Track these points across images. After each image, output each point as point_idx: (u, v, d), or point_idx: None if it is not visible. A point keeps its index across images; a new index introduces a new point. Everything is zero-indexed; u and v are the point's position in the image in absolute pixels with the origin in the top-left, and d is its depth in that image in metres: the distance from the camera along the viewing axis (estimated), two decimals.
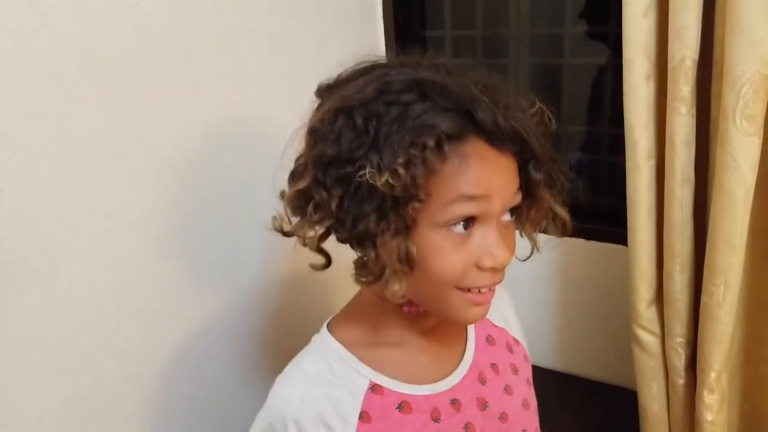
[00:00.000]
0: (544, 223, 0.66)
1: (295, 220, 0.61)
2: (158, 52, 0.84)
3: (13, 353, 0.72)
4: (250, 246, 1.02)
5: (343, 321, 0.68)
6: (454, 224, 0.55)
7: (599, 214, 1.28)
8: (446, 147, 0.53)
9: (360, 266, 0.58)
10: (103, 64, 0.77)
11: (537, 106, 0.61)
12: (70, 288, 0.77)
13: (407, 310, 0.64)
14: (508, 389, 0.71)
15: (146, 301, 0.86)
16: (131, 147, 0.82)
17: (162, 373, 0.90)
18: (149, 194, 0.85)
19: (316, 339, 0.67)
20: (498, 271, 0.58)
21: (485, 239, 0.56)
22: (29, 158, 0.70)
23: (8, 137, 0.68)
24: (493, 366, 0.71)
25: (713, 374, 0.95)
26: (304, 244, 0.60)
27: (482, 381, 0.69)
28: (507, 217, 0.59)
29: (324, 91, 0.61)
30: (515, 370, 0.74)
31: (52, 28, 0.71)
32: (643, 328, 1.03)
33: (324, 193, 0.56)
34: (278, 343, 1.08)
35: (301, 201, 0.58)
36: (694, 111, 0.90)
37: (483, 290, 0.58)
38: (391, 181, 0.51)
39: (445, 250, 0.55)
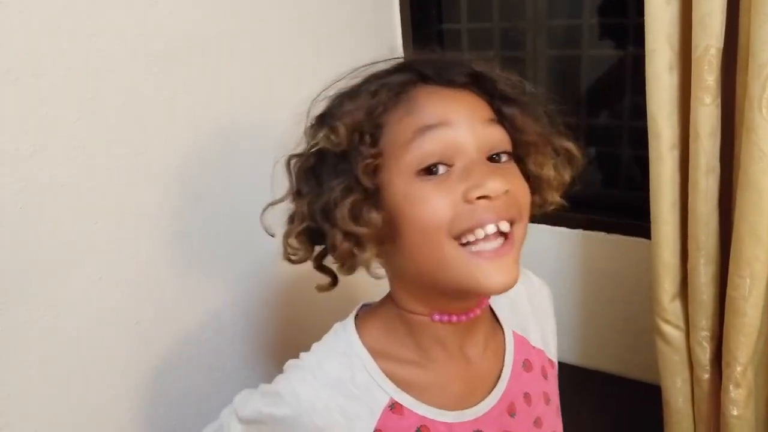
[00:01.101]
0: (551, 164, 0.61)
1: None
2: (174, 51, 0.84)
3: (34, 348, 0.72)
4: (265, 242, 1.01)
5: (371, 325, 0.63)
6: (428, 168, 0.52)
7: (621, 208, 1.27)
8: (390, 94, 0.54)
9: (331, 248, 0.56)
10: (120, 63, 0.77)
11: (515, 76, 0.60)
12: (91, 285, 0.77)
13: (438, 319, 0.59)
14: (538, 422, 0.66)
15: (165, 296, 0.87)
16: (147, 144, 0.82)
17: (177, 367, 0.90)
18: (164, 191, 0.85)
19: (341, 335, 0.62)
20: (493, 200, 0.51)
21: (469, 172, 0.52)
22: (50, 156, 0.71)
23: (29, 135, 0.69)
24: (526, 396, 0.65)
25: (739, 368, 0.93)
26: (290, 260, 0.60)
27: (511, 413, 0.63)
28: (504, 159, 0.56)
29: None
30: (547, 400, 0.68)
31: (70, 27, 0.71)
32: (668, 321, 1.02)
33: (298, 199, 0.58)
34: (290, 342, 1.07)
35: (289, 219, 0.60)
36: (718, 101, 0.88)
37: (486, 238, 0.52)
38: (332, 137, 0.53)
39: (424, 197, 0.52)
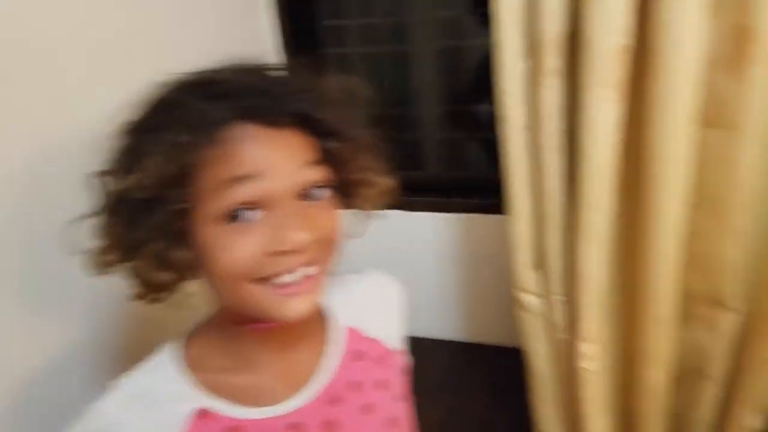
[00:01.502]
0: (372, 195, 0.64)
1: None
2: (13, 50, 0.75)
3: None
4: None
5: (195, 340, 0.64)
6: (235, 215, 0.52)
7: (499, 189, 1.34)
8: (206, 133, 0.51)
9: (142, 283, 0.56)
10: None
11: (349, 84, 0.60)
12: None
13: (250, 327, 0.60)
14: (367, 408, 0.67)
15: (5, 335, 0.77)
16: None
17: (23, 409, 0.81)
18: None
19: (160, 353, 0.63)
20: (299, 253, 0.53)
21: (278, 222, 0.52)
22: None
23: None
24: (354, 384, 0.67)
25: (588, 325, 1.02)
26: (99, 273, 0.57)
27: (335, 402, 0.64)
28: (322, 194, 0.56)
29: None
30: (384, 387, 0.69)
31: None
32: (525, 290, 1.09)
33: (108, 217, 0.55)
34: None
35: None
36: (562, 83, 0.95)
37: (288, 278, 0.54)
38: (140, 182, 0.50)
39: (227, 245, 0.52)
